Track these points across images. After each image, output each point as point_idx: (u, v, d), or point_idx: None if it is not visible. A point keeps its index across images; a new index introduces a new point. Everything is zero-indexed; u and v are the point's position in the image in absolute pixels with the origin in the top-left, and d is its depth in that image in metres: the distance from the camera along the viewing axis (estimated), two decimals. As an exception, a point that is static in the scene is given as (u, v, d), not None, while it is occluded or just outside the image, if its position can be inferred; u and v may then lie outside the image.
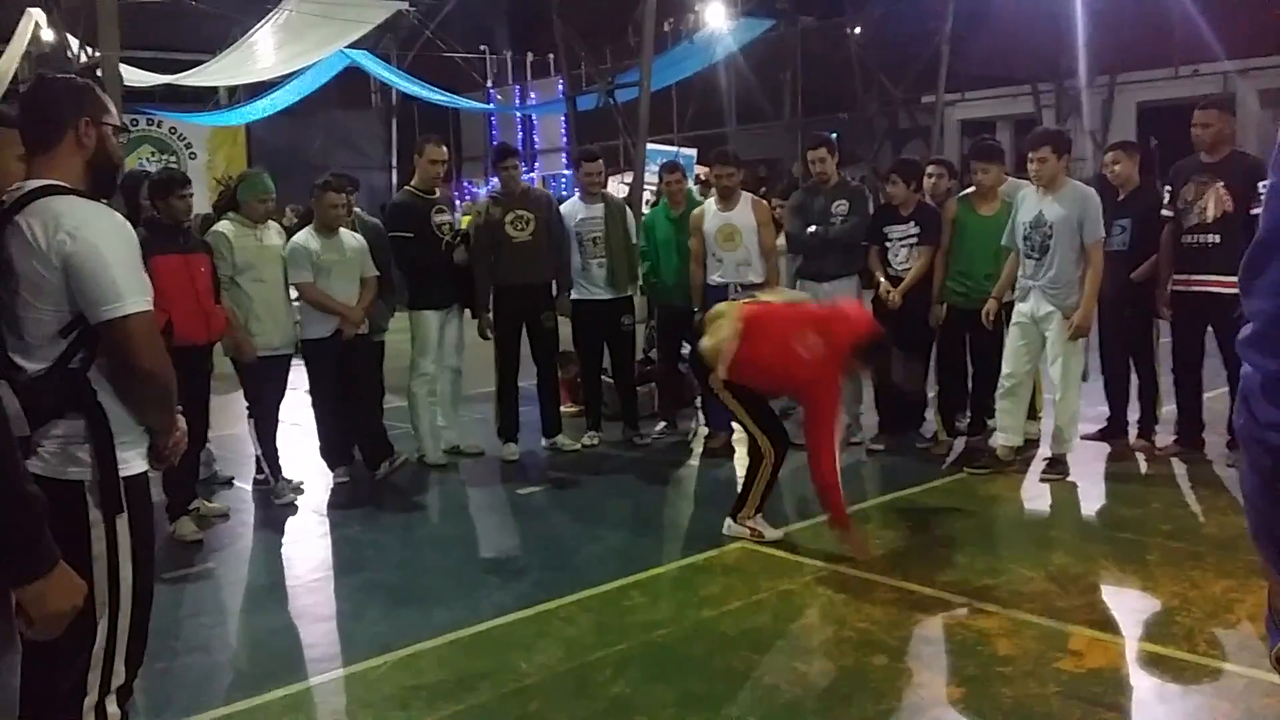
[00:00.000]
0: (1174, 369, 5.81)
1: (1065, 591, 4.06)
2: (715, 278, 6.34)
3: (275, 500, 5.65)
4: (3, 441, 1.86)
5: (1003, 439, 5.73)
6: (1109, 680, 3.33)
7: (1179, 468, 5.70)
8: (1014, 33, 18.78)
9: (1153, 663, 3.44)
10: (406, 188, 6.47)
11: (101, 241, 2.24)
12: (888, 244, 6.16)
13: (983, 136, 7.62)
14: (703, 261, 6.38)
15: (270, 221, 5.71)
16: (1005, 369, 5.64)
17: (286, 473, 5.82)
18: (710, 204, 6.49)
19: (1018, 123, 21.98)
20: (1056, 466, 5.60)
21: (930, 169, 6.34)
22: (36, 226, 2.21)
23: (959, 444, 6.21)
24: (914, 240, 6.07)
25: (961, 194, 6.20)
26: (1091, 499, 5.32)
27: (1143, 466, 5.79)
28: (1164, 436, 5.97)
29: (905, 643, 3.63)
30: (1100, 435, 6.15)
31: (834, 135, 6.77)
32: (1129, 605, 3.93)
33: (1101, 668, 3.41)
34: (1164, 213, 5.66)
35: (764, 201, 6.78)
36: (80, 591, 2.04)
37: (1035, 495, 5.40)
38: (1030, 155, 5.49)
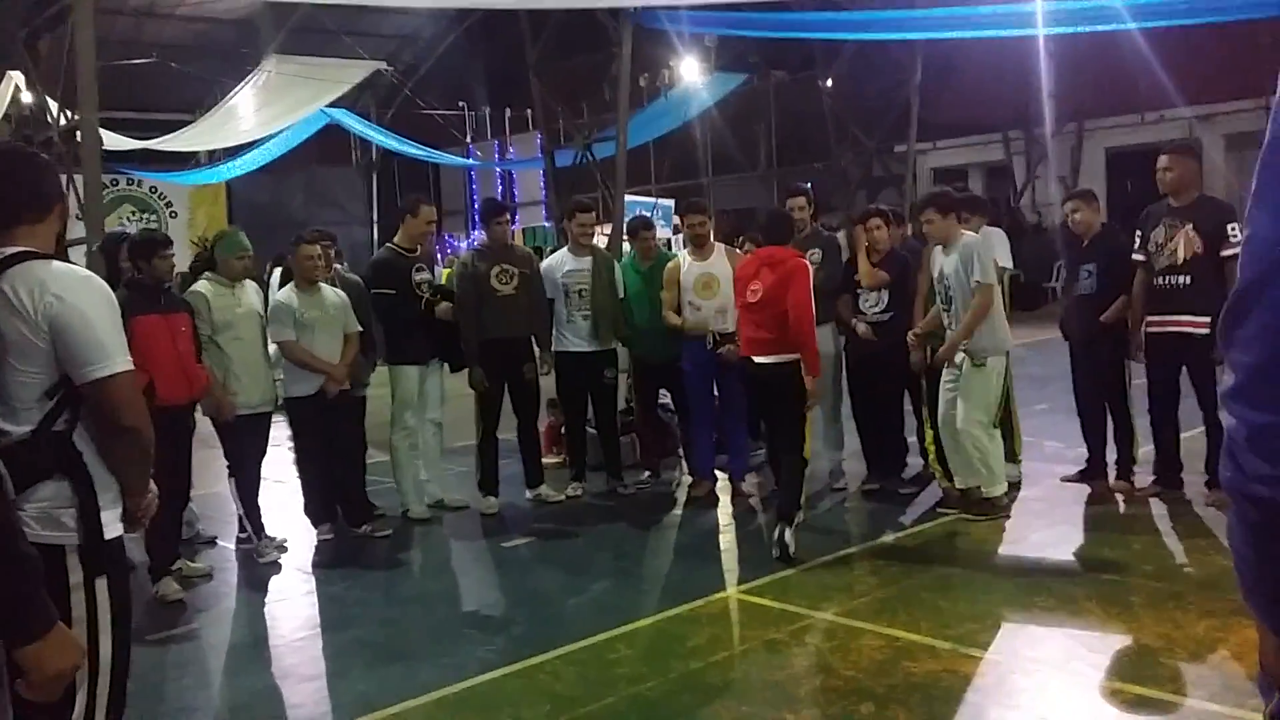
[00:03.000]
0: (1150, 410, 5.88)
1: (1050, 634, 4.08)
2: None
3: (258, 559, 5.61)
4: None
5: (957, 482, 5.80)
6: (1095, 723, 3.34)
7: (1158, 508, 5.74)
8: (982, 82, 19.15)
9: (1138, 705, 3.45)
10: (389, 245, 6.50)
11: (87, 304, 2.28)
12: (859, 291, 6.26)
13: (957, 185, 7.76)
14: (675, 309, 6.41)
15: (247, 281, 5.73)
16: (939, 414, 5.75)
17: (270, 530, 5.79)
18: (684, 255, 6.56)
19: (989, 169, 22.36)
20: (982, 506, 5.63)
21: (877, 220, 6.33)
22: (22, 290, 2.24)
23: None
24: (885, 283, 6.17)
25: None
26: (1073, 540, 5.35)
27: (1122, 507, 5.84)
28: (1143, 477, 6.02)
29: (892, 690, 3.63)
30: (1079, 477, 6.20)
31: (809, 185, 6.85)
32: (1113, 647, 3.95)
33: (1088, 711, 3.42)
34: (1135, 257, 5.76)
35: (736, 250, 6.87)
36: (79, 651, 2.04)
37: (1018, 538, 5.42)
38: (920, 219, 5.77)
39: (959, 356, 5.59)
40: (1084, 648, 3.93)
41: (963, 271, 5.51)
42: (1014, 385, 6.45)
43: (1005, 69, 18.02)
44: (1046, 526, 5.53)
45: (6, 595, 1.87)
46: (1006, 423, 6.33)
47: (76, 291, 2.28)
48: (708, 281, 6.35)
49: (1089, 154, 20.27)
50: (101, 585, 2.30)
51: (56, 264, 2.32)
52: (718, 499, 6.43)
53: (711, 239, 6.56)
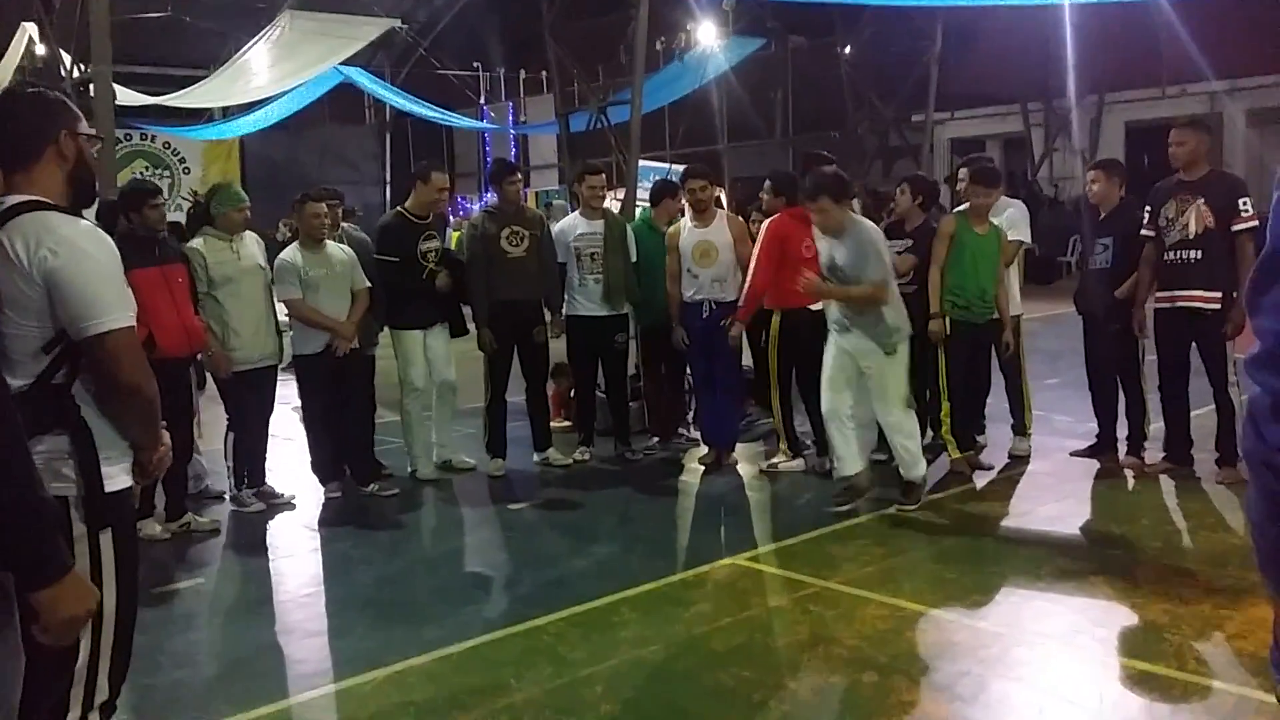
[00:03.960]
0: (1160, 386, 5.83)
1: (1055, 608, 4.07)
2: (690, 294, 6.36)
3: (240, 508, 5.69)
4: (17, 449, 1.86)
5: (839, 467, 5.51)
6: (1100, 698, 3.33)
7: (1168, 485, 5.71)
8: (1003, 53, 18.92)
9: (1142, 680, 3.44)
10: (399, 209, 6.37)
11: (85, 257, 2.24)
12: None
13: (978, 156, 7.60)
14: (678, 278, 6.39)
15: (247, 233, 5.67)
16: (825, 399, 5.45)
17: (279, 488, 5.84)
18: (686, 221, 6.50)
19: (1007, 141, 22.15)
20: (912, 493, 5.40)
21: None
22: (18, 243, 2.20)
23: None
24: (907, 249, 6.08)
25: (958, 210, 6.20)
26: (1080, 515, 5.33)
27: (1131, 483, 5.81)
28: (1153, 453, 5.99)
29: (896, 660, 3.63)
30: (1089, 452, 6.18)
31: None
32: (1118, 622, 3.94)
33: (1092, 685, 3.41)
34: (1145, 232, 5.69)
35: (738, 217, 6.79)
36: (93, 597, 2.05)
37: (1025, 512, 5.41)
38: (810, 208, 5.32)
39: (864, 347, 5.28)
40: (1089, 622, 3.92)
41: (860, 263, 5.19)
42: (1026, 359, 6.41)
43: (1026, 40, 17.78)
44: (1055, 500, 5.51)
45: (23, 540, 1.88)
46: (1018, 398, 6.30)
47: (73, 245, 2.23)
48: (706, 250, 6.29)
49: (1108, 127, 20.05)
50: (105, 538, 2.30)
51: (57, 216, 2.27)
52: (723, 466, 6.42)
53: (724, 205, 6.49)
